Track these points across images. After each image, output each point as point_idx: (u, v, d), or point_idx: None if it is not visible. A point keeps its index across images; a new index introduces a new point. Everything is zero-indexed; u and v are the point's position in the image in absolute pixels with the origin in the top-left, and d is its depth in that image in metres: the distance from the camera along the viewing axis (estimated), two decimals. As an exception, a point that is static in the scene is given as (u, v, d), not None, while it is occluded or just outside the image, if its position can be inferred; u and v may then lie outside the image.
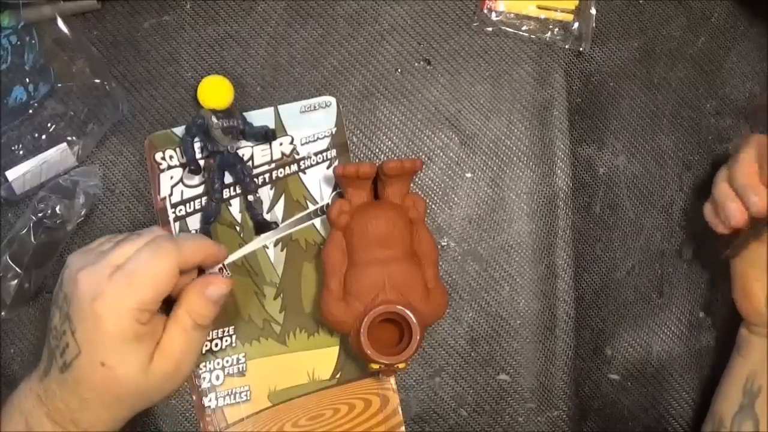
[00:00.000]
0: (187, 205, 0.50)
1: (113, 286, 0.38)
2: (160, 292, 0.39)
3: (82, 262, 0.40)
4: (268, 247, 0.50)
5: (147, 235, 0.41)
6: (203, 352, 0.49)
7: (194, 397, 0.49)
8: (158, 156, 0.50)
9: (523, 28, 0.52)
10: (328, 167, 0.51)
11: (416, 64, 0.52)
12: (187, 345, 0.41)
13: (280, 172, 0.51)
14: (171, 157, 0.50)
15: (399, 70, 0.52)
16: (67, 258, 0.41)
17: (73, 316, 0.38)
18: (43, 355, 0.41)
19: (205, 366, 0.49)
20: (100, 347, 0.38)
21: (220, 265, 0.50)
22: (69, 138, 0.49)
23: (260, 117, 0.51)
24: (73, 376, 0.38)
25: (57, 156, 0.48)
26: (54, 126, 0.48)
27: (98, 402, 0.39)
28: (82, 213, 0.49)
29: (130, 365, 0.38)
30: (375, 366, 0.44)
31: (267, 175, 0.51)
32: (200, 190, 0.50)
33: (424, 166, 0.52)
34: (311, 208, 0.51)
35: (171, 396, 0.43)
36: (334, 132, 0.51)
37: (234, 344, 0.49)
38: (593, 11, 0.52)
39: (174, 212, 0.50)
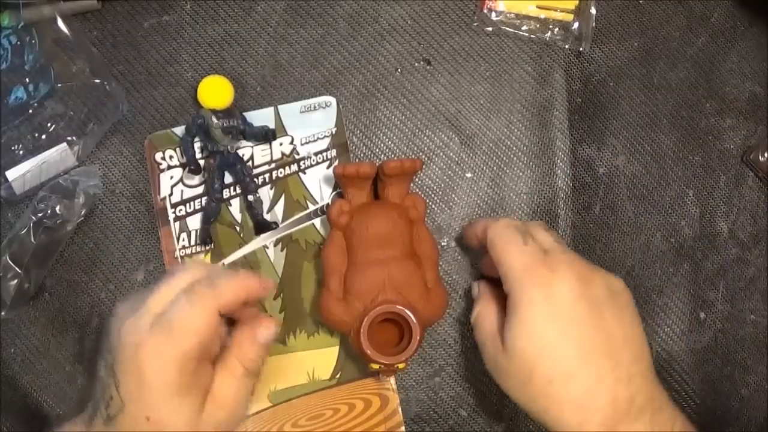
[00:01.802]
0: (187, 205, 0.50)
1: (153, 337, 0.36)
2: (202, 340, 0.37)
3: (124, 311, 0.38)
4: (268, 247, 0.50)
5: (184, 275, 0.39)
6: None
7: (194, 397, 0.49)
8: (158, 156, 0.50)
9: (523, 28, 0.52)
10: (328, 167, 0.51)
11: (416, 64, 0.52)
12: (240, 392, 0.40)
13: (280, 172, 0.51)
14: (171, 157, 0.50)
15: (399, 70, 0.52)
16: (115, 305, 0.40)
17: (117, 369, 0.37)
18: (92, 399, 0.40)
19: (205, 366, 0.49)
20: (144, 401, 0.36)
21: (221, 265, 0.50)
22: (69, 138, 0.49)
23: (260, 117, 0.51)
24: (119, 429, 0.37)
25: (57, 156, 0.48)
26: (54, 126, 0.48)
27: None
28: (82, 213, 0.49)
29: (179, 417, 0.37)
30: (375, 366, 0.44)
31: (267, 175, 0.51)
32: (200, 190, 0.50)
33: (424, 166, 0.52)
34: (311, 208, 0.51)
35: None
36: (334, 132, 0.51)
37: (234, 344, 0.49)
38: (593, 11, 0.52)
39: (174, 212, 0.50)
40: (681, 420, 0.40)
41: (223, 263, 0.50)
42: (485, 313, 0.44)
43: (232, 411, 0.39)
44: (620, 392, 0.38)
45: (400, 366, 0.44)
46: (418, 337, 0.43)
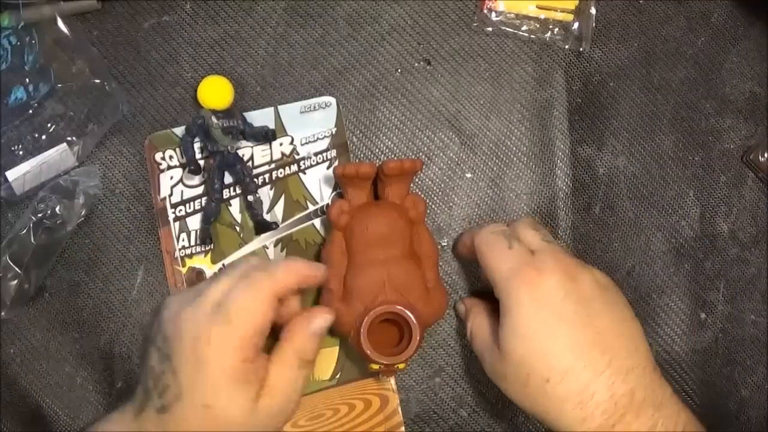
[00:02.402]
0: (187, 205, 0.50)
1: (213, 324, 0.37)
2: (260, 326, 0.38)
3: (180, 302, 0.39)
4: (268, 248, 0.50)
5: (240, 267, 0.40)
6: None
7: (194, 398, 0.49)
8: (158, 156, 0.50)
9: (523, 28, 0.52)
10: (328, 167, 0.51)
11: (416, 64, 0.52)
12: (294, 383, 0.40)
13: (280, 172, 0.51)
14: (171, 157, 0.50)
15: (399, 70, 0.52)
16: (165, 299, 0.40)
17: (175, 358, 0.37)
18: (138, 390, 0.40)
19: (205, 366, 0.49)
20: (203, 389, 0.37)
21: (221, 266, 0.50)
22: (69, 138, 0.49)
23: (260, 117, 0.51)
24: (173, 418, 0.37)
25: (57, 156, 0.48)
26: (54, 126, 0.48)
27: None
28: (82, 213, 0.49)
29: (236, 406, 0.37)
30: (375, 366, 0.44)
31: (267, 175, 0.51)
32: (200, 190, 0.50)
33: (424, 167, 0.52)
34: (311, 208, 0.51)
35: None
36: (334, 132, 0.51)
37: (234, 344, 0.49)
38: (593, 11, 0.52)
39: (174, 212, 0.50)
40: (686, 415, 0.39)
41: (223, 264, 0.50)
42: (478, 324, 0.44)
43: (285, 401, 0.40)
44: (619, 387, 0.38)
45: (400, 366, 0.44)
46: (418, 338, 0.43)
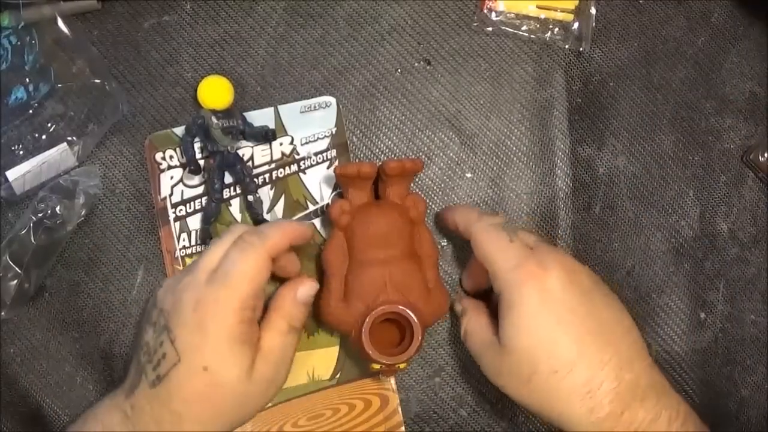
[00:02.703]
0: (188, 205, 0.50)
1: (212, 289, 0.39)
2: (257, 285, 0.40)
3: (175, 279, 0.41)
4: (268, 247, 0.50)
5: (230, 235, 0.42)
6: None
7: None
8: (158, 156, 0.50)
9: (523, 28, 0.52)
10: (328, 167, 0.51)
11: (416, 64, 0.52)
12: (285, 349, 0.42)
13: (280, 172, 0.51)
14: (171, 157, 0.50)
15: (399, 70, 0.52)
16: (163, 280, 0.43)
17: (173, 325, 0.39)
18: (130, 373, 0.41)
19: (205, 366, 0.49)
20: (202, 351, 0.38)
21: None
22: (69, 138, 0.49)
23: (260, 117, 0.51)
24: (167, 388, 0.38)
25: (57, 156, 0.48)
26: (54, 126, 0.48)
27: (193, 416, 0.38)
28: (82, 213, 0.49)
29: (234, 368, 0.38)
30: (376, 366, 0.44)
31: (267, 175, 0.51)
32: (200, 190, 0.50)
33: (424, 166, 0.52)
34: (311, 208, 0.51)
35: (266, 406, 0.43)
36: (334, 132, 0.51)
37: (234, 344, 0.49)
38: (593, 11, 0.52)
39: (174, 212, 0.50)
40: (685, 405, 0.40)
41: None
42: (475, 323, 0.44)
43: (278, 367, 0.41)
44: (624, 375, 0.39)
45: (402, 366, 0.44)
46: (419, 337, 0.43)
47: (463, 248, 0.51)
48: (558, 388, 0.39)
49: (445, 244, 0.51)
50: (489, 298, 0.46)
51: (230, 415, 0.40)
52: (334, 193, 0.51)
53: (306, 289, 0.44)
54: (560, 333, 0.39)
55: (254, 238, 0.41)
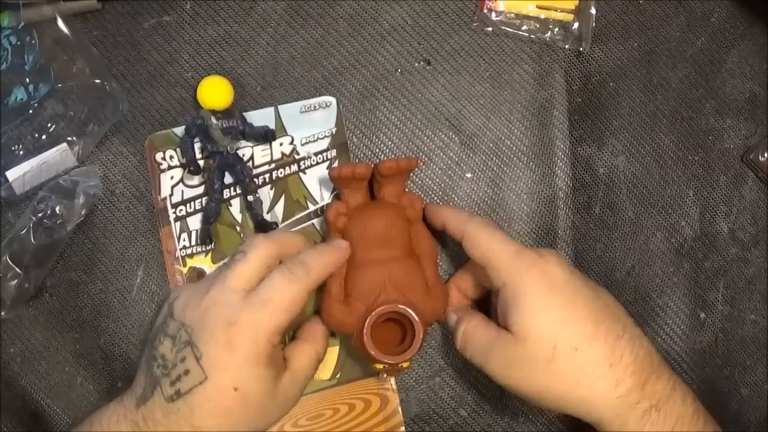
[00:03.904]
0: (188, 205, 0.50)
1: (250, 310, 0.39)
2: (294, 315, 0.40)
3: (196, 291, 0.41)
4: (268, 247, 0.50)
5: (256, 251, 0.41)
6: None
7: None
8: (158, 156, 0.50)
9: (523, 28, 0.52)
10: (328, 167, 0.51)
11: (416, 64, 0.52)
12: (310, 372, 0.44)
13: (280, 172, 0.51)
14: (171, 157, 0.50)
15: (399, 70, 0.52)
16: (172, 292, 0.43)
17: (200, 343, 0.38)
18: (139, 382, 0.41)
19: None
20: (231, 371, 0.38)
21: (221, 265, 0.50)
22: (69, 138, 0.49)
23: (260, 117, 0.51)
24: (189, 404, 0.38)
25: (57, 156, 0.48)
26: (54, 126, 0.48)
27: (213, 430, 0.38)
28: (82, 213, 0.49)
29: (262, 388, 0.39)
30: (379, 366, 0.44)
31: (267, 175, 0.51)
32: (200, 190, 0.50)
33: (424, 166, 0.52)
34: (311, 208, 0.51)
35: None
36: (334, 132, 0.51)
37: (234, 344, 0.49)
38: (593, 11, 0.52)
39: (174, 212, 0.50)
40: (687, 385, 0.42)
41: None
42: (473, 326, 0.44)
43: (302, 386, 0.43)
44: (639, 349, 0.40)
45: (404, 365, 0.44)
46: (421, 336, 0.43)
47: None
48: (580, 365, 0.39)
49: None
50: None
51: (250, 427, 0.40)
52: (334, 194, 0.51)
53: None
54: (574, 311, 0.40)
55: (301, 271, 0.41)
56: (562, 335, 0.39)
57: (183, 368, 0.38)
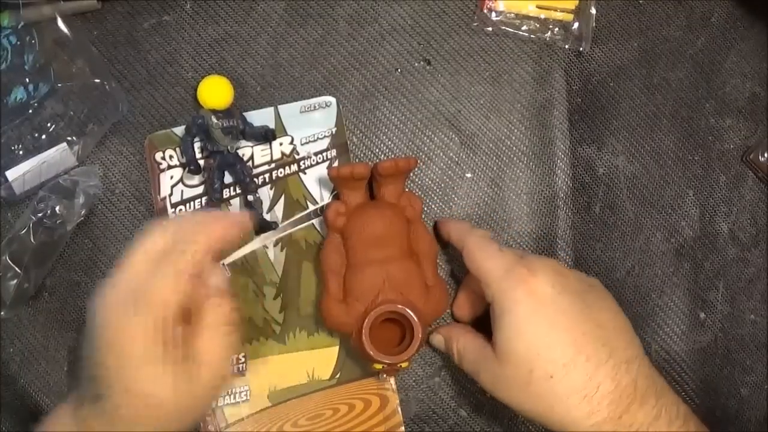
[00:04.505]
0: (188, 205, 0.50)
1: (128, 311, 0.36)
2: (176, 308, 0.37)
3: (106, 287, 0.38)
4: (268, 247, 0.50)
5: (147, 243, 0.38)
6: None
7: (194, 397, 0.49)
8: (158, 156, 0.50)
9: (523, 28, 0.52)
10: (328, 167, 0.51)
11: (416, 64, 0.52)
12: (222, 349, 0.39)
13: (280, 172, 0.51)
14: (171, 157, 0.50)
15: (399, 70, 0.52)
16: (96, 287, 0.40)
17: (99, 346, 0.37)
18: (79, 381, 0.40)
19: (205, 366, 0.49)
20: (128, 376, 0.36)
21: (221, 265, 0.50)
22: (69, 138, 0.49)
23: (260, 117, 0.51)
24: (107, 408, 0.37)
25: (57, 156, 0.48)
26: (54, 126, 0.48)
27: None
28: (82, 213, 0.49)
29: (165, 386, 0.37)
30: (378, 366, 0.44)
31: (267, 175, 0.51)
32: (200, 190, 0.50)
33: (424, 166, 0.52)
34: (311, 208, 0.51)
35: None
36: (334, 132, 0.51)
37: (234, 344, 0.49)
38: (593, 11, 0.52)
39: (174, 212, 0.50)
40: (684, 406, 0.40)
41: (224, 263, 0.50)
42: (465, 342, 0.45)
43: (216, 369, 0.39)
44: (622, 377, 0.38)
45: (404, 365, 0.44)
46: (420, 336, 0.43)
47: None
48: (555, 392, 0.39)
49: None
50: (481, 326, 0.46)
51: (178, 424, 0.38)
52: (334, 194, 0.51)
53: (216, 278, 0.40)
54: (554, 335, 0.39)
55: (176, 258, 0.37)
56: (537, 362, 0.39)
57: (94, 372, 0.37)
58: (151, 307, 0.36)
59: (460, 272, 0.51)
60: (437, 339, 0.48)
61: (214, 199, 0.49)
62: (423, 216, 0.49)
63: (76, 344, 0.49)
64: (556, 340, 0.39)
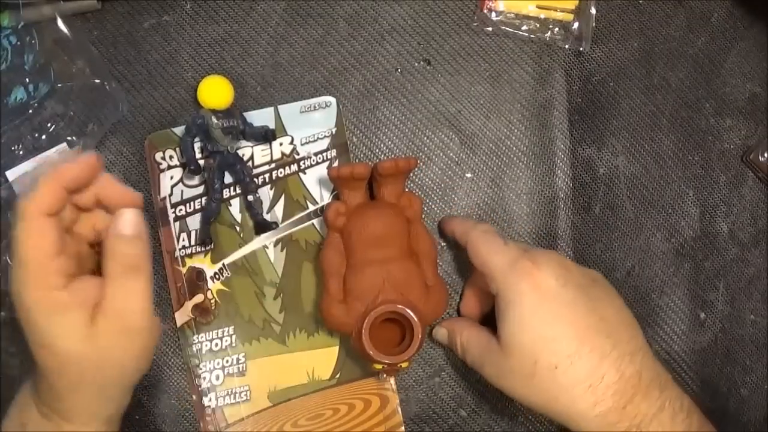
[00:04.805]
0: (187, 205, 0.50)
1: (12, 269, 0.36)
2: (43, 251, 0.35)
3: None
4: (268, 247, 0.50)
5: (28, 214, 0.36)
6: (204, 351, 0.49)
7: (194, 397, 0.49)
8: (158, 156, 0.50)
9: (523, 28, 0.52)
10: (328, 167, 0.51)
11: (416, 64, 0.52)
12: (126, 294, 0.37)
13: (280, 172, 0.51)
14: (171, 157, 0.50)
15: (399, 70, 0.52)
16: None
17: (18, 312, 0.37)
18: None
19: (205, 366, 0.49)
20: (35, 332, 0.36)
21: (221, 265, 0.50)
22: (69, 138, 0.49)
23: (260, 117, 0.51)
24: (39, 370, 0.37)
25: (57, 156, 0.48)
26: (54, 126, 0.48)
27: (69, 389, 0.37)
28: (82, 213, 0.49)
29: (69, 337, 0.36)
30: (378, 366, 0.44)
31: (267, 175, 0.51)
32: (200, 190, 0.50)
33: (424, 166, 0.52)
34: (311, 208, 0.51)
35: (144, 367, 0.39)
36: (334, 132, 0.51)
37: (234, 344, 0.49)
38: (593, 11, 0.52)
39: (174, 212, 0.50)
40: (688, 399, 0.41)
41: (223, 264, 0.50)
42: (469, 335, 0.45)
43: (121, 316, 0.37)
44: (626, 368, 0.39)
45: (404, 365, 0.44)
46: (420, 336, 0.43)
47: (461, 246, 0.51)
48: (560, 383, 0.39)
49: (444, 244, 0.51)
50: (488, 323, 0.46)
51: (101, 379, 0.38)
52: (334, 194, 0.51)
53: (125, 221, 0.37)
54: (558, 327, 0.39)
55: (23, 203, 0.36)
56: (542, 353, 0.39)
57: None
58: (23, 258, 0.35)
59: (460, 272, 0.51)
60: (440, 333, 0.48)
61: (214, 199, 0.49)
62: (423, 216, 0.49)
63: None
64: (561, 332, 0.39)
